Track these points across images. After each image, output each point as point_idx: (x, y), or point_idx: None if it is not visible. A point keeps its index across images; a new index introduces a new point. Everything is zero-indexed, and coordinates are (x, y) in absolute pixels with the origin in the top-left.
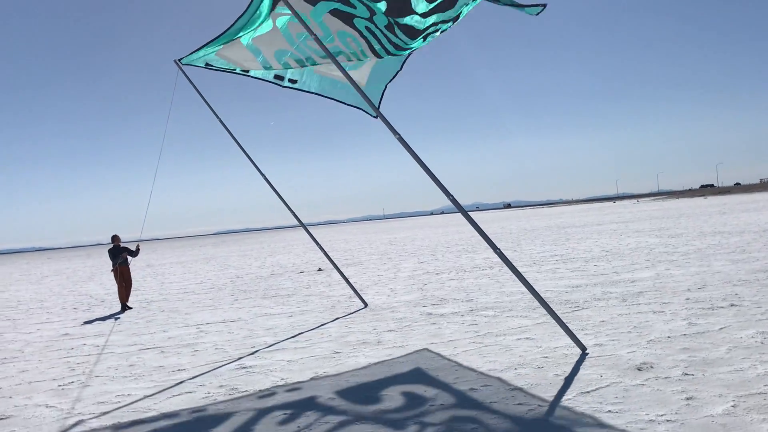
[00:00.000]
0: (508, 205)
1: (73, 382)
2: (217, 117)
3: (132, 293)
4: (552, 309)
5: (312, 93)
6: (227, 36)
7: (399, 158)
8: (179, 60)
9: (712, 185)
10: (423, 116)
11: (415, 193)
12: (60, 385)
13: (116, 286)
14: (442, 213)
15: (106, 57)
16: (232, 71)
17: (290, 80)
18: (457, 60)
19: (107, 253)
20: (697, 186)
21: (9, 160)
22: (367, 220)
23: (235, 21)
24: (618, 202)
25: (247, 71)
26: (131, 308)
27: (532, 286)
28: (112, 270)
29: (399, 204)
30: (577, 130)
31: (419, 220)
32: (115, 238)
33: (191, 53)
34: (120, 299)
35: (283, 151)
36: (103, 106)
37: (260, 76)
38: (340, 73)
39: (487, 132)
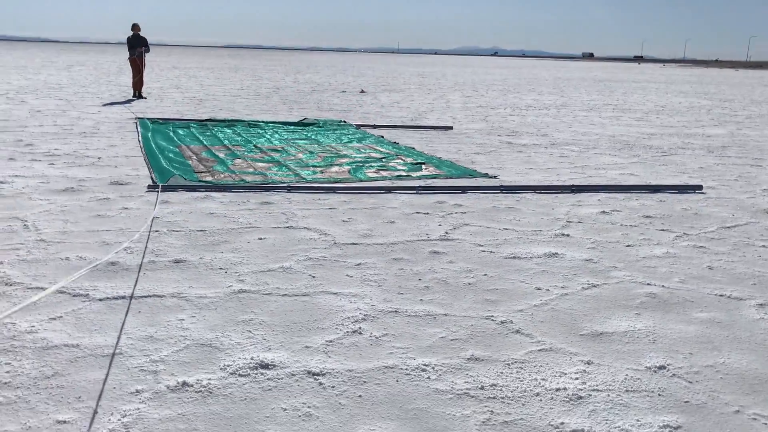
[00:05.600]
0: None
1: None
2: None
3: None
4: None
5: None
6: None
7: None
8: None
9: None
10: None
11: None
12: None
13: (132, 76)
14: (458, 54)
15: None
16: None
17: None
18: None
19: (126, 41)
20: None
21: None
22: (380, 52)
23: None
24: (642, 64)
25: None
26: (145, 98)
27: None
28: (129, 59)
29: (413, 40)
30: None
31: (438, 58)
32: (135, 27)
33: None
34: (133, 87)
35: None
36: None
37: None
38: None
39: None
